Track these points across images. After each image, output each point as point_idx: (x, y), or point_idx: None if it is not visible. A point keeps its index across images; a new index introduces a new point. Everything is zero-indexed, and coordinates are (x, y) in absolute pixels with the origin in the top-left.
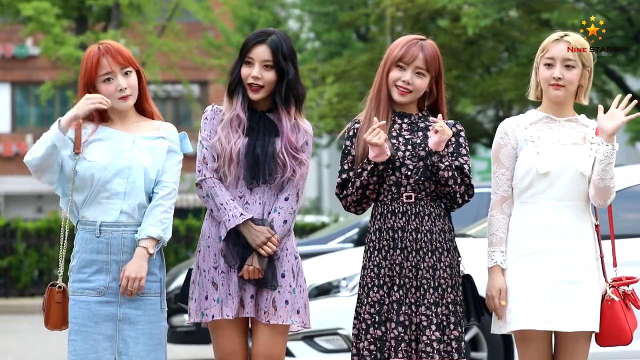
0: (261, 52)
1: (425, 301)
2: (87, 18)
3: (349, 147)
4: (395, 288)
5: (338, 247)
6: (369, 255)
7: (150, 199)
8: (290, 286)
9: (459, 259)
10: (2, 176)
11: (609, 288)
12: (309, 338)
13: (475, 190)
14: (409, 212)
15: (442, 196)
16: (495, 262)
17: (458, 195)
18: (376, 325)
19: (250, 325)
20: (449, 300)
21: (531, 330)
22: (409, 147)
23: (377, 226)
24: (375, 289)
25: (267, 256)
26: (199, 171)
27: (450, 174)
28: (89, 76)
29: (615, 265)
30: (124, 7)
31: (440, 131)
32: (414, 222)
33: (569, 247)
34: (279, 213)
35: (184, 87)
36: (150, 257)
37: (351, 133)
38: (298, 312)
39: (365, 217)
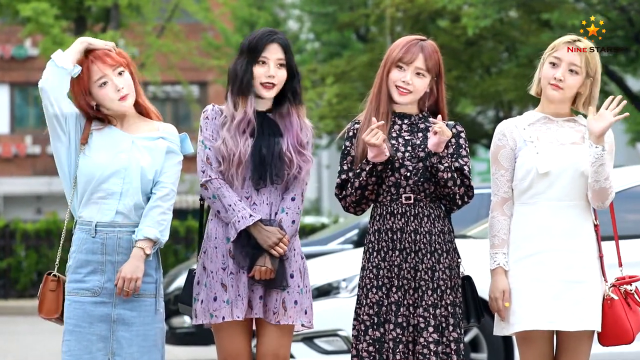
0: (274, 51)
1: (424, 303)
2: (86, 19)
3: (348, 148)
4: (394, 289)
5: (338, 248)
6: (368, 256)
7: (148, 200)
8: (299, 286)
9: (459, 260)
10: (1, 177)
11: (609, 287)
12: (308, 339)
13: (475, 191)
14: (408, 213)
15: (442, 197)
16: (497, 264)
17: (458, 197)
18: (375, 327)
19: (254, 326)
20: (448, 301)
21: (533, 330)
22: (409, 148)
23: (376, 227)
24: (374, 290)
25: (279, 257)
26: (203, 172)
27: (449, 175)
28: (82, 84)
29: (620, 265)
30: (123, 8)
31: (439, 132)
32: (413, 223)
33: (570, 247)
34: (287, 213)
35: (183, 88)
36: (146, 258)
37: (351, 133)
38: (306, 312)
39: (365, 218)
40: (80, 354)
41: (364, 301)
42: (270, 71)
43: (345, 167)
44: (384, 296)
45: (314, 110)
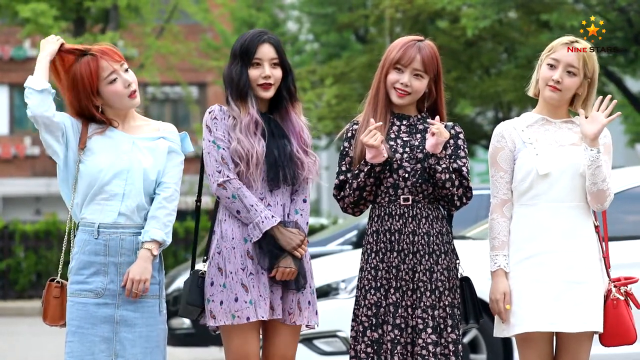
0: (267, 52)
1: (422, 304)
2: (85, 20)
3: (347, 149)
4: (392, 290)
5: (337, 249)
6: (366, 257)
7: (151, 200)
8: (311, 287)
9: (457, 261)
10: (0, 178)
11: (614, 287)
12: (307, 340)
13: (475, 192)
14: (406, 215)
15: (440, 198)
16: (498, 266)
17: (456, 198)
18: (373, 328)
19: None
20: (446, 303)
21: (533, 332)
22: (407, 149)
23: (374, 228)
24: (373, 291)
25: (300, 258)
26: (219, 171)
27: (447, 176)
28: (90, 82)
29: (609, 266)
30: (122, 9)
31: (437, 133)
32: (411, 225)
33: (571, 248)
34: (301, 215)
35: (182, 89)
36: (153, 260)
37: (349, 134)
38: (316, 312)
39: (364, 219)
40: (83, 355)
41: (363, 302)
42: (265, 72)
43: (343, 168)
44: (383, 297)
45: (313, 111)
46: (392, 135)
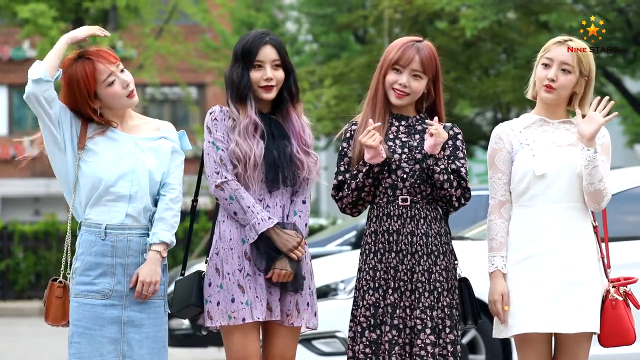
0: (268, 53)
1: (420, 305)
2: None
3: (345, 149)
4: (390, 291)
5: (336, 249)
6: (364, 258)
7: (155, 202)
8: (309, 288)
9: (455, 262)
10: None
11: (612, 288)
12: (306, 341)
13: (473, 193)
14: (405, 215)
15: (438, 199)
16: (496, 267)
17: (454, 199)
18: (371, 328)
19: (261, 327)
20: (445, 303)
21: (532, 332)
22: (406, 149)
23: (372, 229)
24: (371, 292)
25: (297, 260)
26: (217, 173)
27: (445, 177)
28: (87, 86)
29: (609, 267)
30: (121, 10)
31: (435, 134)
32: (410, 225)
33: (569, 249)
34: (300, 216)
35: (181, 90)
36: (162, 262)
37: (348, 135)
38: (315, 314)
39: (363, 219)
40: (90, 356)
41: (361, 303)
42: (267, 74)
43: (342, 169)
44: (381, 298)
45: (312, 112)
46: (391, 136)
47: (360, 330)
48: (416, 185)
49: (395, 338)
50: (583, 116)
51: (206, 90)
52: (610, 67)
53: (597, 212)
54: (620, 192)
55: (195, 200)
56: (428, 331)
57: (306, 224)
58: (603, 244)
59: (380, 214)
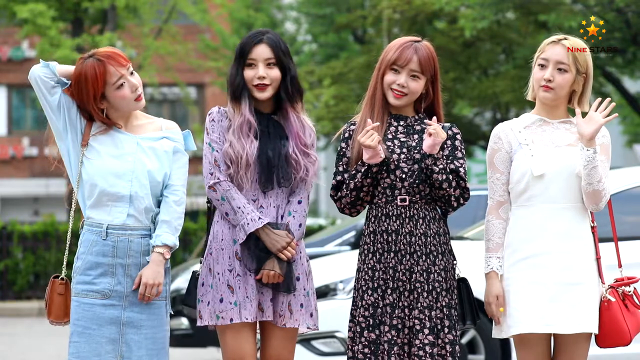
0: (262, 52)
1: (419, 305)
2: (83, 20)
3: (344, 149)
4: (389, 291)
5: (335, 249)
6: (363, 258)
7: (158, 202)
8: (304, 289)
9: (454, 262)
10: None
11: (606, 289)
12: (306, 341)
13: (473, 193)
14: (403, 215)
15: (437, 199)
16: (491, 269)
17: (453, 199)
18: (370, 328)
19: (258, 328)
20: (443, 303)
21: (531, 333)
22: (404, 149)
23: (371, 229)
24: (370, 292)
25: (287, 260)
26: (211, 174)
27: (444, 177)
28: (95, 87)
29: (620, 266)
30: (120, 10)
31: (434, 134)
32: (408, 225)
33: (567, 249)
34: (294, 217)
35: (180, 90)
36: (165, 264)
37: (347, 135)
38: (311, 315)
39: (362, 220)
40: (89, 356)
41: (360, 303)
42: (259, 72)
43: (340, 169)
44: (380, 298)
45: (311, 112)
46: (390, 136)
47: (359, 330)
48: (415, 185)
49: (394, 338)
50: (583, 114)
51: (205, 90)
52: (610, 67)
53: (596, 213)
54: (620, 192)
55: (209, 202)
56: (426, 331)
57: (300, 225)
58: (606, 244)
59: (379, 214)
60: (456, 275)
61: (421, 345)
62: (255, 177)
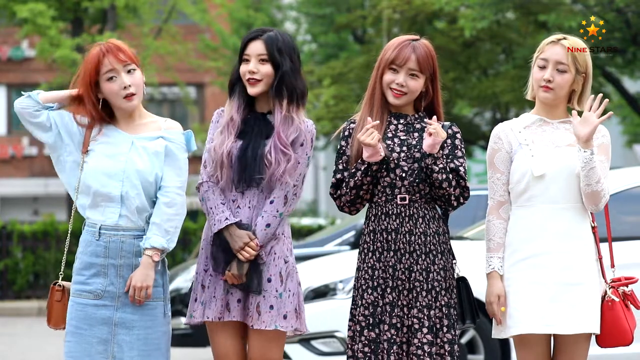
0: (256, 47)
1: (418, 304)
2: (82, 20)
3: (344, 147)
4: (389, 290)
5: (335, 249)
6: (363, 257)
7: (153, 203)
8: (277, 291)
9: (454, 261)
10: None
11: (609, 289)
12: (305, 341)
13: (472, 193)
14: (403, 214)
15: (437, 198)
16: (492, 268)
17: (453, 198)
18: (370, 327)
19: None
20: (442, 303)
21: (531, 333)
22: (404, 148)
23: (371, 228)
24: (370, 291)
25: (247, 261)
26: (200, 175)
27: (444, 176)
28: (89, 75)
29: (612, 266)
30: (120, 9)
31: (434, 133)
32: (408, 224)
33: (567, 250)
34: (262, 217)
35: (180, 90)
36: (156, 266)
37: (346, 133)
38: (285, 317)
39: (362, 219)
40: (80, 356)
41: (360, 302)
42: (250, 67)
43: (340, 167)
44: (379, 297)
45: (311, 112)
46: (390, 134)
47: (359, 329)
48: (415, 184)
49: (394, 337)
50: (579, 113)
51: (205, 90)
52: (609, 67)
53: (597, 213)
54: (619, 192)
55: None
56: (425, 330)
57: (269, 225)
58: (602, 244)
59: (379, 213)
60: (456, 274)
61: (420, 344)
62: (232, 176)
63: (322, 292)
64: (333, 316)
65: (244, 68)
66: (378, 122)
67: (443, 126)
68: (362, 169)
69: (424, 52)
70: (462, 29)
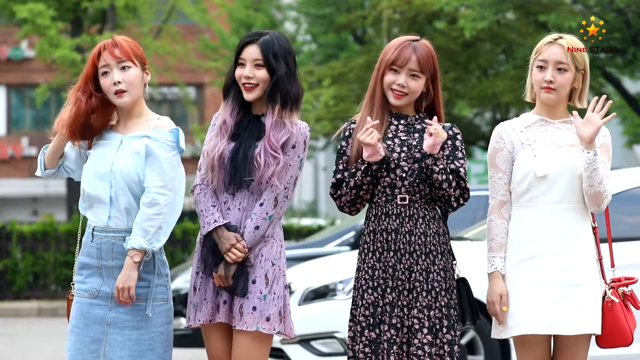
0: (251, 52)
1: (418, 304)
2: (82, 20)
3: (344, 148)
4: (389, 290)
5: (334, 250)
6: (363, 257)
7: None
8: (261, 292)
9: (454, 262)
10: None
11: (609, 289)
12: (305, 341)
13: (473, 193)
14: (403, 214)
15: (437, 199)
16: (495, 268)
17: (453, 199)
18: (371, 328)
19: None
20: (442, 303)
21: (531, 334)
22: (405, 148)
23: (371, 228)
24: (370, 291)
25: (234, 263)
26: (196, 178)
27: (444, 177)
28: (88, 68)
29: (613, 266)
30: (120, 10)
31: (434, 134)
32: (408, 225)
33: (569, 250)
34: (251, 219)
35: (180, 90)
36: (140, 266)
37: (347, 133)
38: (268, 319)
39: (362, 219)
40: (74, 354)
41: (360, 302)
42: (246, 72)
43: (340, 167)
44: (380, 297)
45: (311, 112)
46: (390, 135)
47: (359, 329)
48: (415, 185)
49: (394, 337)
50: (582, 113)
51: (204, 90)
52: (610, 67)
53: (597, 213)
54: (619, 193)
55: None
56: (425, 331)
57: (257, 227)
58: (602, 245)
59: (379, 213)
60: (456, 275)
61: (420, 344)
62: (224, 178)
63: (322, 293)
64: (333, 317)
65: (239, 72)
66: (378, 121)
67: (444, 127)
68: (362, 168)
69: (425, 53)
70: (462, 29)
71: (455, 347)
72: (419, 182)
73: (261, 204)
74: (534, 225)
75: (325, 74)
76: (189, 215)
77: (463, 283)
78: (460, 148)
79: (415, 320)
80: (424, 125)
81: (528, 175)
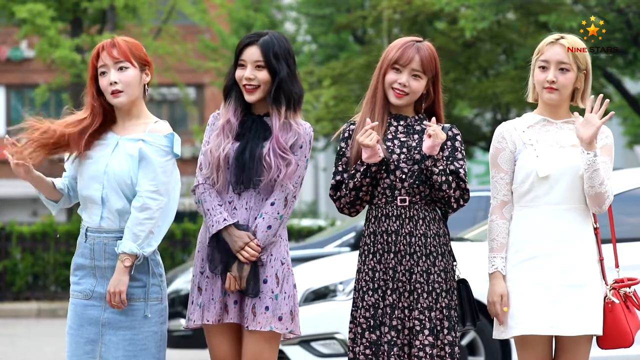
0: (252, 53)
1: (419, 305)
2: (82, 20)
3: (343, 149)
4: (389, 292)
5: (335, 251)
6: (363, 258)
7: None
8: (273, 292)
9: (454, 263)
10: None
11: (610, 290)
12: (305, 342)
13: (473, 194)
14: (403, 216)
15: (437, 200)
16: (496, 268)
17: (453, 200)
18: (371, 329)
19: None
20: (443, 304)
21: (532, 334)
22: (404, 149)
23: (371, 229)
24: (370, 293)
25: (247, 262)
26: (196, 177)
27: (443, 178)
28: (90, 69)
29: (617, 266)
30: (119, 10)
31: (433, 135)
32: (408, 226)
33: (570, 251)
34: (263, 218)
35: (180, 90)
36: (131, 269)
37: (346, 134)
38: (280, 318)
39: (362, 221)
40: (70, 356)
41: (360, 304)
42: (247, 73)
43: (340, 168)
44: (380, 299)
45: (311, 113)
46: (389, 136)
47: (360, 331)
48: (415, 186)
49: (394, 339)
50: (582, 112)
51: (204, 90)
52: (610, 68)
53: (599, 214)
54: (620, 194)
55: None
56: (426, 332)
57: (270, 226)
58: (604, 245)
59: (379, 215)
60: (456, 276)
61: (421, 346)
62: (229, 178)
63: (322, 294)
64: (333, 318)
65: (239, 73)
66: (377, 123)
67: (443, 128)
68: (362, 170)
69: (428, 54)
70: (463, 29)
71: (456, 349)
72: (419, 184)
73: (272, 204)
74: (535, 225)
75: (325, 74)
76: (189, 216)
77: (463, 284)
78: (460, 149)
79: (416, 322)
80: (424, 127)
81: (530, 175)
